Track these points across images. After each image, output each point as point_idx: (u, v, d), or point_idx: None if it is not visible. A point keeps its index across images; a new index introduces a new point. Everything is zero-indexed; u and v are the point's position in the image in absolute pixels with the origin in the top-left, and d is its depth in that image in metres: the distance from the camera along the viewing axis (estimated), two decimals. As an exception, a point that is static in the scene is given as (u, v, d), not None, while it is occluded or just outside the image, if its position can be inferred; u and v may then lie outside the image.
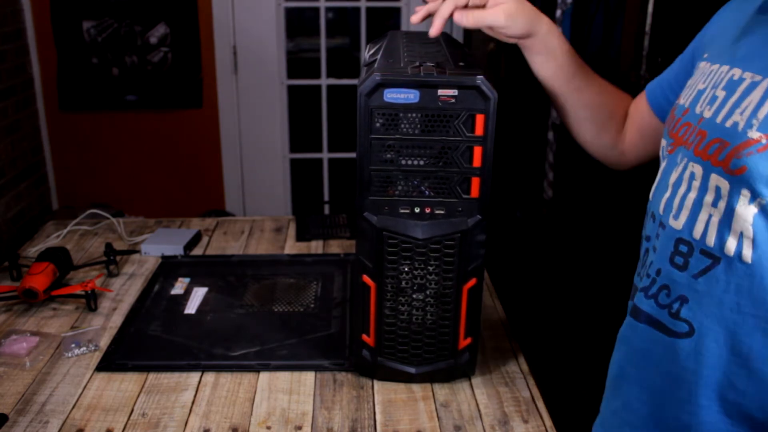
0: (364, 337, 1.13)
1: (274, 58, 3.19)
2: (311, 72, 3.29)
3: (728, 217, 0.70)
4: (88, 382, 1.15)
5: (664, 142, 0.85)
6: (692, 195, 0.74)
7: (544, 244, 2.70)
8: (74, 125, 3.18)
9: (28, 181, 3.03)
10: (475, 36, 3.08)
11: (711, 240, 0.72)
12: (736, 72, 0.75)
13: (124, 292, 1.46)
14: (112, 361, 1.20)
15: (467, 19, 0.95)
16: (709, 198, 0.72)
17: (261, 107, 3.25)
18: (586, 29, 2.45)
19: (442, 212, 1.05)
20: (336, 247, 1.71)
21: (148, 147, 3.24)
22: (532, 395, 1.13)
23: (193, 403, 1.10)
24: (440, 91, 0.99)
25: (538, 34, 1.02)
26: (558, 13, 2.45)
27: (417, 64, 1.01)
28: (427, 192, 1.04)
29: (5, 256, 1.56)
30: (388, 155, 1.03)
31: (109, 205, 3.17)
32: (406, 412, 1.08)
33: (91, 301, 1.38)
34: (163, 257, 1.63)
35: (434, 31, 0.98)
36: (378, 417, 1.07)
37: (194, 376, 1.17)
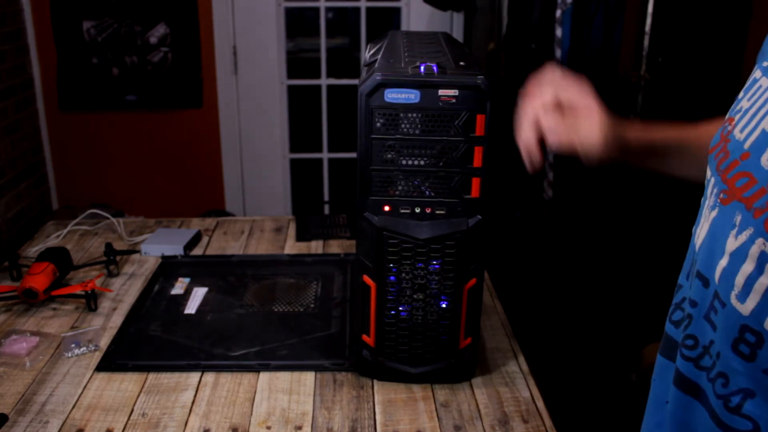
0: (364, 337, 1.13)
1: (274, 58, 3.19)
2: (311, 72, 3.28)
3: None
4: (88, 382, 1.15)
5: (711, 179, 0.72)
6: (765, 281, 0.63)
7: (544, 244, 2.70)
8: (74, 125, 3.17)
9: (28, 181, 3.03)
10: (475, 36, 3.08)
11: None
12: None
13: (124, 292, 1.46)
14: (112, 361, 1.20)
15: (561, 143, 0.87)
16: None
17: (261, 107, 3.25)
18: (586, 29, 2.45)
19: (442, 212, 1.05)
20: (336, 247, 1.71)
21: (148, 147, 3.24)
22: (532, 395, 1.13)
23: (193, 403, 1.10)
24: (441, 91, 0.99)
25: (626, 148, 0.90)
26: (558, 13, 2.45)
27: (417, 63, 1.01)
28: (427, 192, 1.04)
29: (5, 256, 1.56)
30: (389, 155, 1.03)
31: (109, 205, 3.16)
32: (406, 412, 1.08)
33: (91, 301, 1.38)
34: (163, 257, 1.63)
35: (531, 168, 0.91)
36: (378, 417, 1.07)
37: (194, 376, 1.17)
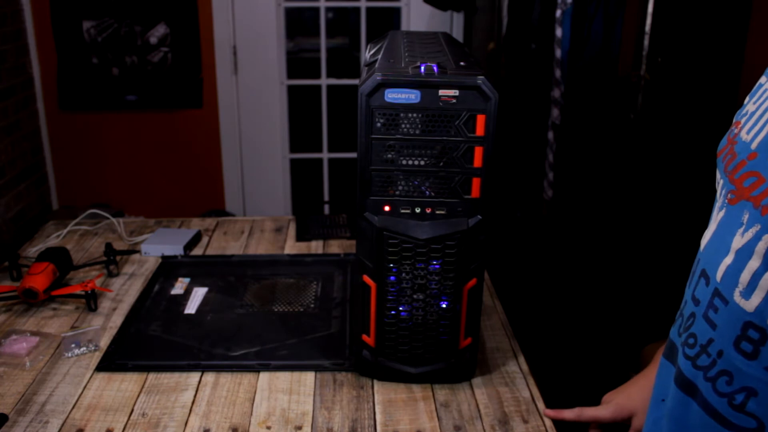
0: (364, 337, 1.13)
1: (274, 58, 3.19)
2: (311, 72, 3.28)
3: None
4: (88, 382, 1.15)
5: (720, 180, 0.73)
6: None
7: (544, 244, 2.70)
8: (74, 125, 3.18)
9: (28, 181, 3.03)
10: (475, 36, 3.08)
11: None
12: None
13: (124, 292, 1.46)
14: (112, 361, 1.20)
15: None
16: None
17: (261, 107, 3.25)
18: (586, 30, 2.45)
19: (442, 212, 1.05)
20: (336, 247, 1.71)
21: (148, 147, 3.24)
22: (532, 395, 1.13)
23: (193, 403, 1.10)
24: (441, 92, 0.99)
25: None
26: (558, 13, 2.45)
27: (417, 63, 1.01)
28: (427, 192, 1.04)
29: (5, 256, 1.56)
30: (389, 155, 1.03)
31: (109, 205, 3.17)
32: (406, 412, 1.08)
33: (91, 301, 1.38)
34: (163, 257, 1.63)
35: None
36: (378, 417, 1.07)
37: (194, 376, 1.17)
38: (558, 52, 2.47)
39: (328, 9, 3.24)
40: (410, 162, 1.03)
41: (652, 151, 2.42)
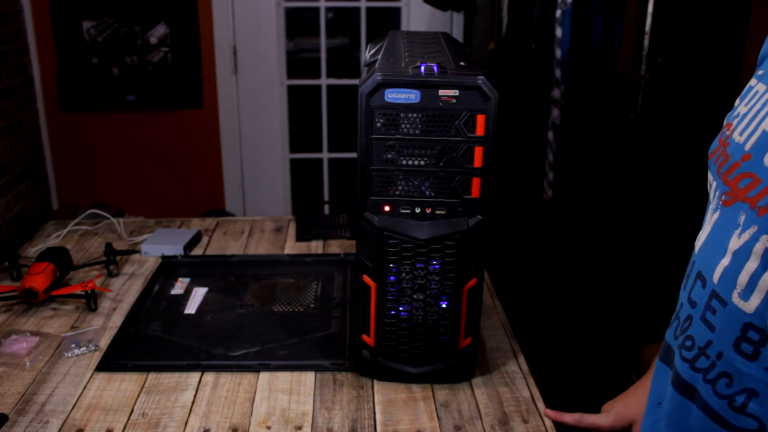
0: (364, 337, 1.13)
1: (274, 58, 3.19)
2: (311, 72, 3.28)
3: None
4: (88, 382, 1.15)
5: (713, 182, 0.72)
6: None
7: (544, 244, 2.70)
8: (74, 125, 3.17)
9: (28, 181, 3.03)
10: (475, 36, 3.08)
11: None
12: None
13: (124, 292, 1.46)
14: (112, 361, 1.20)
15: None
16: None
17: (261, 107, 3.25)
18: (586, 29, 2.45)
19: (442, 212, 1.05)
20: (336, 247, 1.71)
21: (148, 147, 3.24)
22: (532, 395, 1.13)
23: (193, 403, 1.10)
24: (441, 92, 0.99)
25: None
26: (558, 13, 2.45)
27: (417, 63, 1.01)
28: (427, 192, 1.04)
29: (5, 256, 1.56)
30: (389, 155, 1.03)
31: (109, 205, 3.17)
32: (406, 412, 1.08)
33: (91, 301, 1.38)
34: (163, 257, 1.63)
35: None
36: (378, 417, 1.07)
37: (194, 376, 1.17)
38: (558, 52, 2.47)
39: (328, 9, 3.24)
40: (410, 162, 1.03)
41: (652, 151, 2.42)
